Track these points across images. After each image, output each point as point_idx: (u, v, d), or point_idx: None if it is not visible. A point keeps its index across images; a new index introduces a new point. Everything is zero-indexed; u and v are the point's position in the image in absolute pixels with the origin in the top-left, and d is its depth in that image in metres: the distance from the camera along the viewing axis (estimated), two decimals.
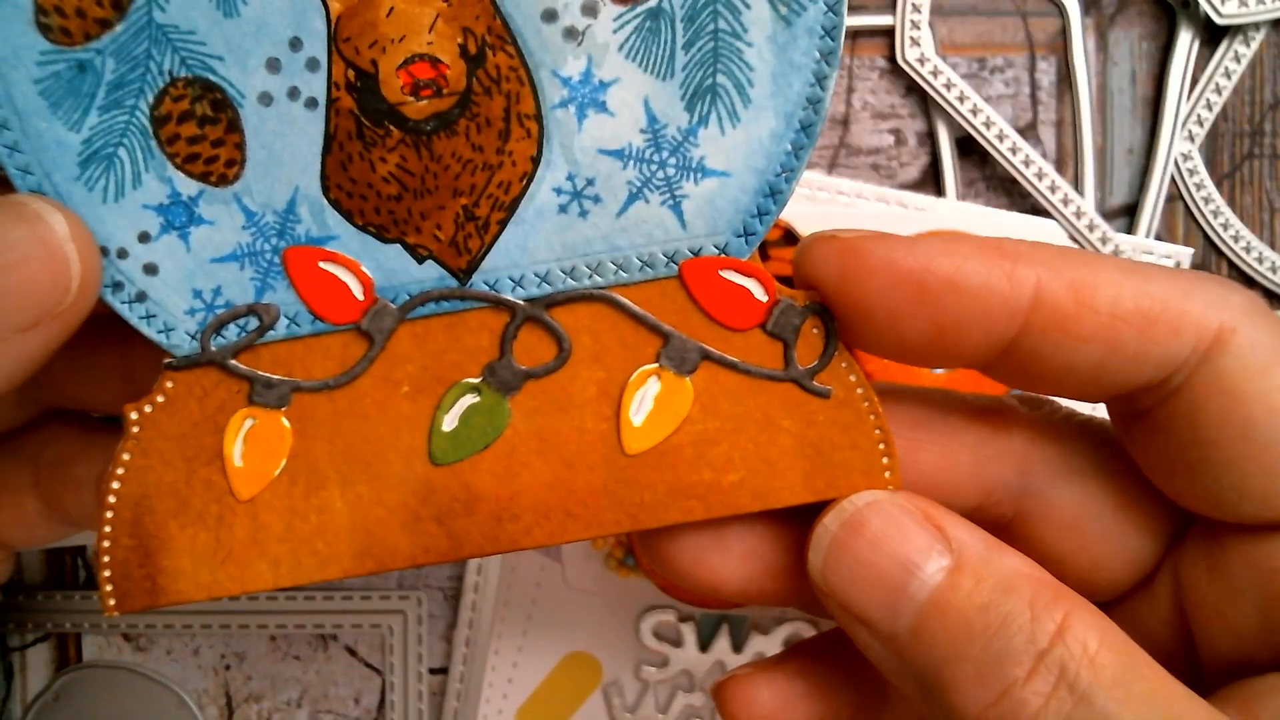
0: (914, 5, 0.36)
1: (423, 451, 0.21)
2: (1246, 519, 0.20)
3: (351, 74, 0.20)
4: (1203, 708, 0.18)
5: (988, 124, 0.37)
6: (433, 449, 0.21)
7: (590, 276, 0.21)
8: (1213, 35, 0.37)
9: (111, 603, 0.21)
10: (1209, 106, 0.37)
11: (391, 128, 0.20)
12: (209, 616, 0.37)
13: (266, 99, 0.21)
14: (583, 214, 0.21)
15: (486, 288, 0.21)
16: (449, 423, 0.21)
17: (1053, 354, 0.20)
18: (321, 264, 0.21)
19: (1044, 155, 0.38)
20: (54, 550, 0.37)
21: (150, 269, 0.21)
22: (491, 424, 0.21)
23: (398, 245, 0.21)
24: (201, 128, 0.21)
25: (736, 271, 0.20)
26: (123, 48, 0.21)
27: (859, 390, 0.21)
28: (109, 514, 0.21)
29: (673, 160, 0.20)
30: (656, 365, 0.21)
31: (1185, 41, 0.37)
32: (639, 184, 0.20)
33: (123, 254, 0.21)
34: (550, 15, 0.20)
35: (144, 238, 0.21)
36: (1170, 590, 0.22)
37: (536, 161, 0.21)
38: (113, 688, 0.37)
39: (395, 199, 0.21)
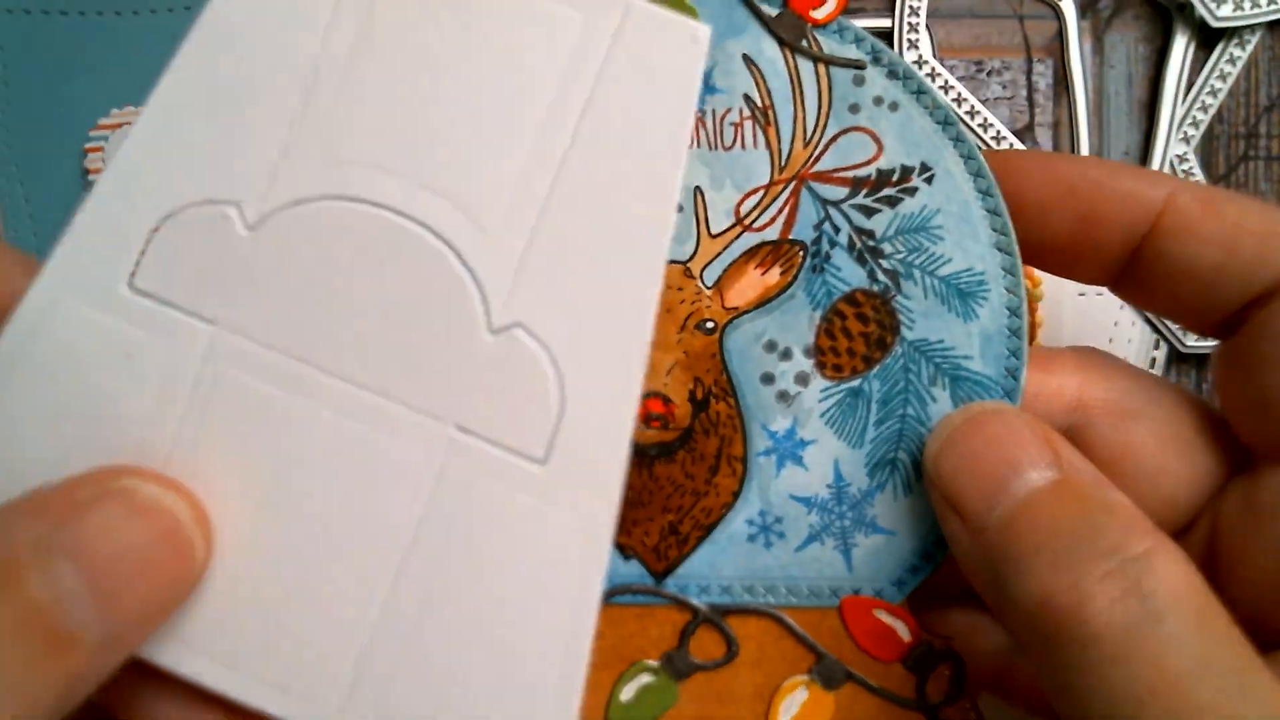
0: (911, 8, 0.36)
1: (600, 714, 0.25)
2: None
3: None
4: (1266, 674, 0.19)
5: (985, 126, 0.37)
6: (610, 714, 0.25)
7: (764, 595, 0.24)
8: (1208, 38, 0.37)
9: None
10: (1204, 109, 0.37)
11: None
12: None
13: None
14: (767, 545, 0.24)
15: (676, 590, 0.25)
16: (626, 694, 0.25)
17: (1178, 254, 0.22)
18: None
19: None
20: None
21: None
22: (661, 702, 0.25)
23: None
24: None
25: (888, 613, 0.24)
26: None
27: None
28: None
29: (850, 514, 0.24)
30: (807, 678, 0.24)
31: (1181, 44, 0.37)
32: (819, 528, 0.24)
33: None
34: (768, 379, 0.24)
35: None
36: (1204, 541, 0.23)
37: (736, 496, 0.25)
38: None
39: None
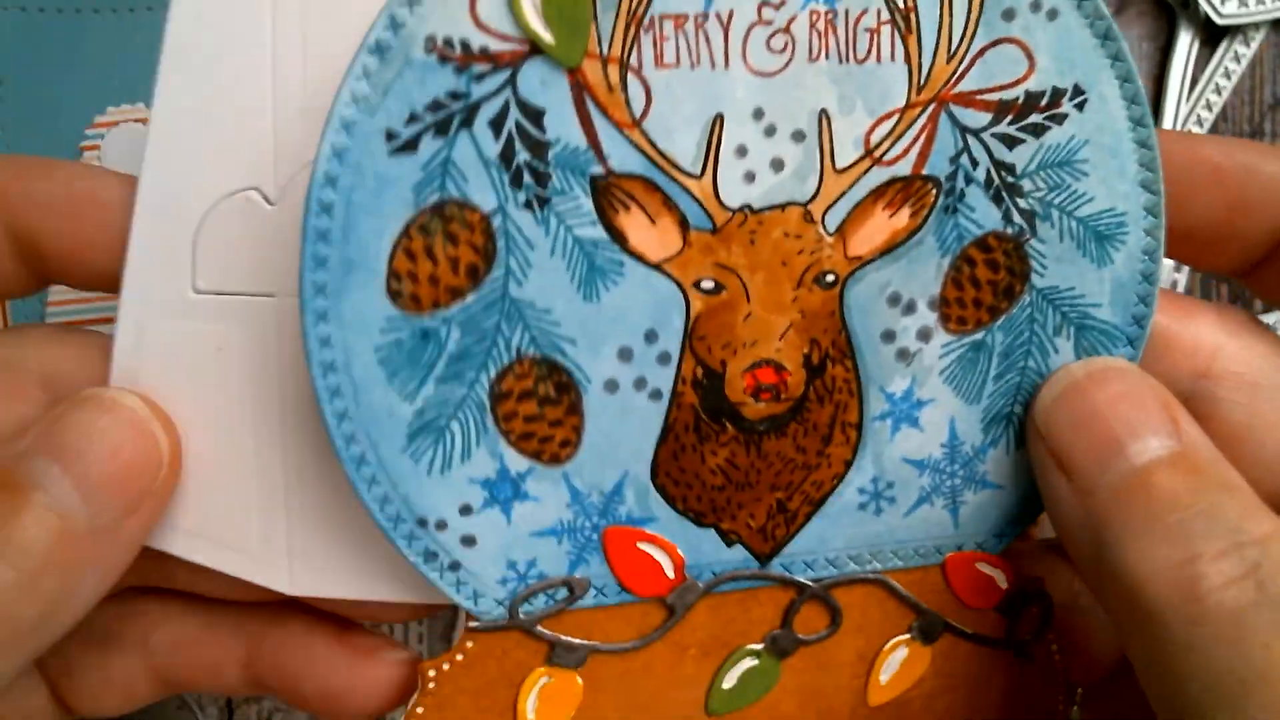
0: None
1: (700, 705, 0.23)
2: None
3: (700, 371, 0.20)
4: None
5: None
6: (710, 702, 0.23)
7: (871, 563, 0.23)
8: (1212, 35, 0.37)
9: None
10: (1209, 107, 0.37)
11: (728, 425, 0.21)
12: None
13: (612, 386, 0.20)
14: (877, 512, 0.22)
15: (782, 569, 0.22)
16: (728, 681, 0.23)
17: None
18: (639, 544, 0.21)
19: None
20: None
21: (468, 540, 0.20)
22: (764, 683, 0.23)
23: (712, 530, 0.22)
24: (541, 408, 0.20)
25: (988, 564, 0.23)
26: (471, 319, 0.19)
27: (1056, 657, 0.25)
28: None
29: (961, 472, 0.22)
30: (908, 636, 0.23)
31: (1185, 42, 0.37)
32: (929, 489, 0.22)
33: (441, 525, 0.20)
34: (889, 335, 0.21)
35: (465, 510, 0.20)
36: None
37: (849, 465, 0.22)
38: None
39: (718, 489, 0.21)
